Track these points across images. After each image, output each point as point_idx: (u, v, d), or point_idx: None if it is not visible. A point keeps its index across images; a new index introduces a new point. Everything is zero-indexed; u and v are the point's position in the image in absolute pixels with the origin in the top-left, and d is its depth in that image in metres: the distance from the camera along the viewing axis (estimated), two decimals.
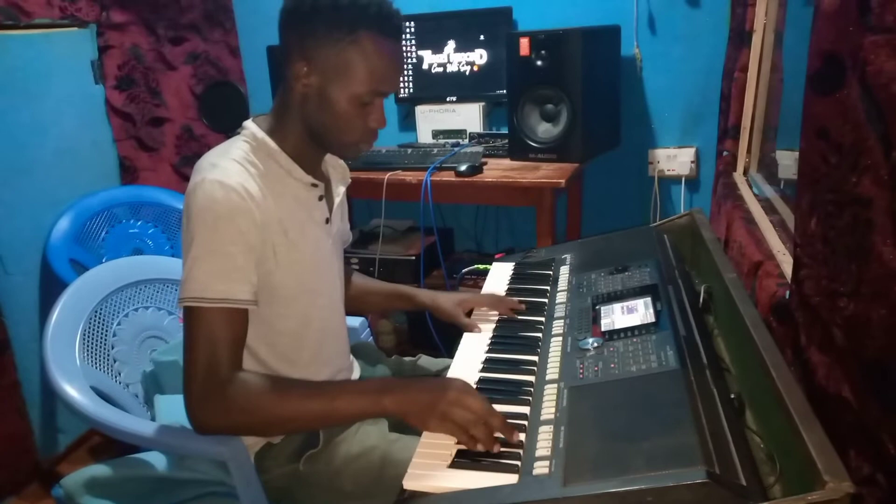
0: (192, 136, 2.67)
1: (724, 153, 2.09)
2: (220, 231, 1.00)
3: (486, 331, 1.28)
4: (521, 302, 1.34)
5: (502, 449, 0.90)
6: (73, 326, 1.37)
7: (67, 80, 2.26)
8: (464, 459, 0.90)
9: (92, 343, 1.40)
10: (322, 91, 1.07)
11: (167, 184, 2.54)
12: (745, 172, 1.99)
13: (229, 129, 1.16)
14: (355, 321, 1.56)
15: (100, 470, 1.19)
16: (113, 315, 1.49)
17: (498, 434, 0.92)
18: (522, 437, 0.92)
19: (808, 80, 0.93)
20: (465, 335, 1.28)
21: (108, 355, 1.44)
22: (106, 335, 1.45)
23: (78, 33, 2.29)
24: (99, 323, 1.44)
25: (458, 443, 0.93)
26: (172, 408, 1.31)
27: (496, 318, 1.32)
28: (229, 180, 1.01)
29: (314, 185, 1.16)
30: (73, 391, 1.23)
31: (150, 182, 2.52)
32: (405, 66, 2.51)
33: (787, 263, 1.22)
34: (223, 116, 2.43)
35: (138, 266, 1.62)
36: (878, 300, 0.74)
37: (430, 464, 0.90)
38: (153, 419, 1.34)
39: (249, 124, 1.14)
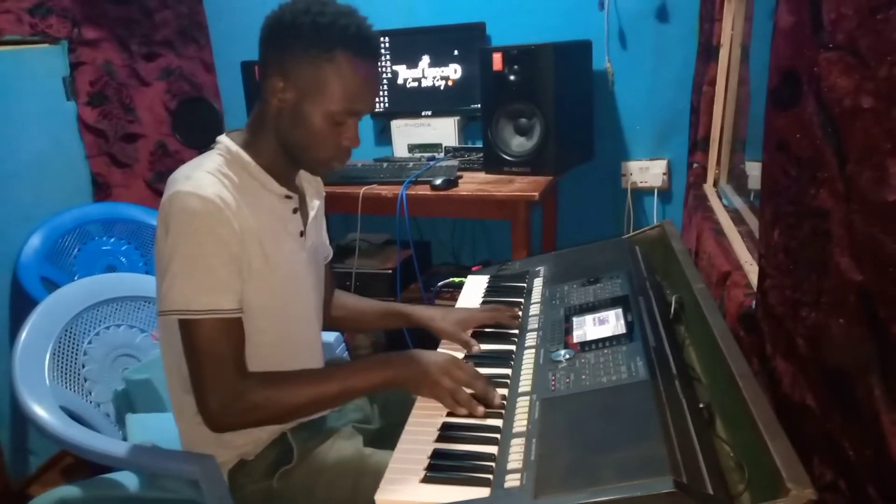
0: (167, 152, 2.65)
1: (695, 165, 2.12)
2: (202, 244, 1.01)
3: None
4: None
5: (474, 462, 0.91)
6: (43, 345, 1.36)
7: (39, 96, 2.24)
8: (436, 474, 0.90)
9: (62, 362, 1.39)
10: (297, 107, 1.08)
11: (140, 200, 2.52)
12: (716, 184, 2.03)
13: (203, 144, 1.15)
14: (330, 336, 1.55)
15: (69, 491, 1.18)
16: (84, 333, 1.47)
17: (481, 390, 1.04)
18: (504, 392, 1.06)
19: (768, 94, 0.95)
20: (441, 347, 1.29)
21: (79, 374, 1.43)
22: (77, 354, 1.44)
23: (49, 50, 2.28)
24: (70, 341, 1.42)
25: (448, 414, 1.04)
26: (144, 427, 1.30)
27: (470, 332, 1.32)
28: (205, 191, 1.01)
29: (288, 198, 1.17)
30: (42, 411, 1.22)
31: (124, 198, 2.50)
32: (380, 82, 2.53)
33: (754, 274, 1.24)
34: (197, 132, 2.42)
35: (110, 283, 1.61)
36: (837, 310, 0.76)
37: (403, 478, 0.90)
38: (125, 438, 1.33)
39: (223, 138, 1.14)
